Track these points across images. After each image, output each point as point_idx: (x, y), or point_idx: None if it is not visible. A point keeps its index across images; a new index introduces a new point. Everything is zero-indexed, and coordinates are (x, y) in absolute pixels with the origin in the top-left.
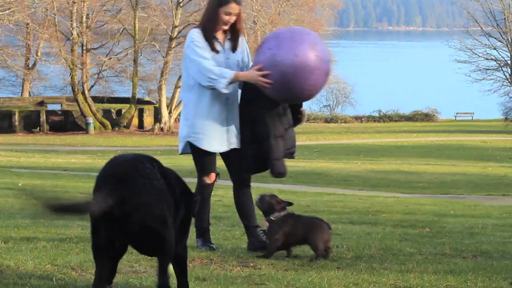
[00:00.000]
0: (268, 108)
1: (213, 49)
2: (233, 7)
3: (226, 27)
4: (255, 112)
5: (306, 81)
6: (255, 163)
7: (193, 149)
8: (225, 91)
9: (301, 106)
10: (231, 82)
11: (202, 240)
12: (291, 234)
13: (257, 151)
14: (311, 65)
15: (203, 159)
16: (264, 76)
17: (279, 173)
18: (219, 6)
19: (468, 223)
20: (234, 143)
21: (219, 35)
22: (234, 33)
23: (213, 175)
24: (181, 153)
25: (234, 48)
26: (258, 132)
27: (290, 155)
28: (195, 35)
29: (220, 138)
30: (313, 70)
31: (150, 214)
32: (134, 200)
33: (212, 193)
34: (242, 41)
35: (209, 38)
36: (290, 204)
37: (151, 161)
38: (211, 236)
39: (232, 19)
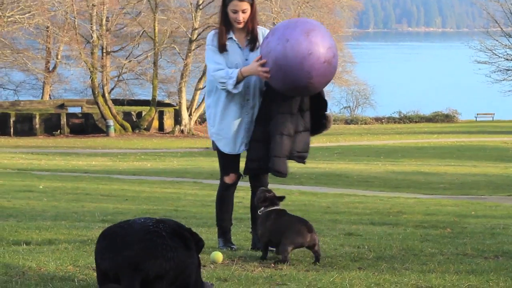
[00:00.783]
0: (281, 105)
1: (224, 50)
2: (236, 4)
3: (239, 26)
4: (271, 110)
5: (300, 66)
6: (256, 162)
7: (216, 148)
8: (235, 91)
9: (325, 110)
10: (239, 81)
11: (223, 241)
12: (274, 231)
13: (262, 150)
14: (303, 50)
15: (223, 159)
16: (263, 66)
17: (277, 171)
18: (225, 5)
19: (490, 224)
20: None
21: (237, 35)
22: (250, 32)
23: (232, 175)
24: (214, 149)
25: (252, 48)
26: (270, 130)
27: (301, 159)
28: (211, 37)
29: (235, 140)
30: (306, 56)
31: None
32: (156, 282)
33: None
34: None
35: (222, 39)
36: (281, 199)
37: (158, 232)
38: (232, 237)
39: (241, 16)
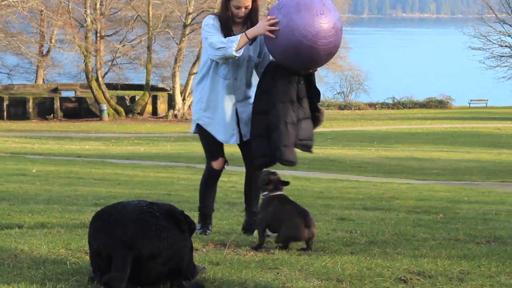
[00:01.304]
0: (281, 95)
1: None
2: (241, 1)
3: (239, 20)
4: (269, 102)
5: (311, 23)
6: (263, 158)
7: (201, 133)
8: (236, 54)
9: (318, 100)
10: (241, 46)
11: (202, 225)
12: (275, 219)
13: (266, 145)
14: (316, 9)
15: (210, 144)
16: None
17: (287, 161)
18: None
19: (482, 209)
20: (248, 136)
21: (236, 29)
22: (251, 26)
23: (220, 160)
24: (194, 133)
25: (251, 43)
26: (270, 121)
27: (306, 148)
28: (210, 21)
29: (228, 129)
30: (318, 14)
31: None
32: (149, 262)
33: (224, 179)
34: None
35: (225, 28)
36: (285, 183)
37: (152, 212)
38: (224, 221)
39: (243, 11)
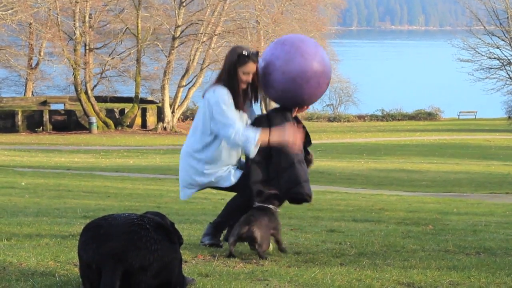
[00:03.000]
0: None
1: (239, 107)
2: (251, 66)
3: (244, 86)
4: (272, 148)
5: (315, 51)
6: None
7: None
8: (253, 155)
9: (309, 144)
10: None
11: (211, 237)
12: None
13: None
14: (312, 40)
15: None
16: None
17: (309, 195)
18: (238, 65)
19: (472, 221)
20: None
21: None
22: (252, 89)
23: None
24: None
25: (254, 100)
26: (276, 165)
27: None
28: (225, 96)
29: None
30: (318, 46)
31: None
32: (140, 274)
33: (214, 191)
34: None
35: (235, 97)
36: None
37: (143, 224)
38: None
39: (250, 78)
